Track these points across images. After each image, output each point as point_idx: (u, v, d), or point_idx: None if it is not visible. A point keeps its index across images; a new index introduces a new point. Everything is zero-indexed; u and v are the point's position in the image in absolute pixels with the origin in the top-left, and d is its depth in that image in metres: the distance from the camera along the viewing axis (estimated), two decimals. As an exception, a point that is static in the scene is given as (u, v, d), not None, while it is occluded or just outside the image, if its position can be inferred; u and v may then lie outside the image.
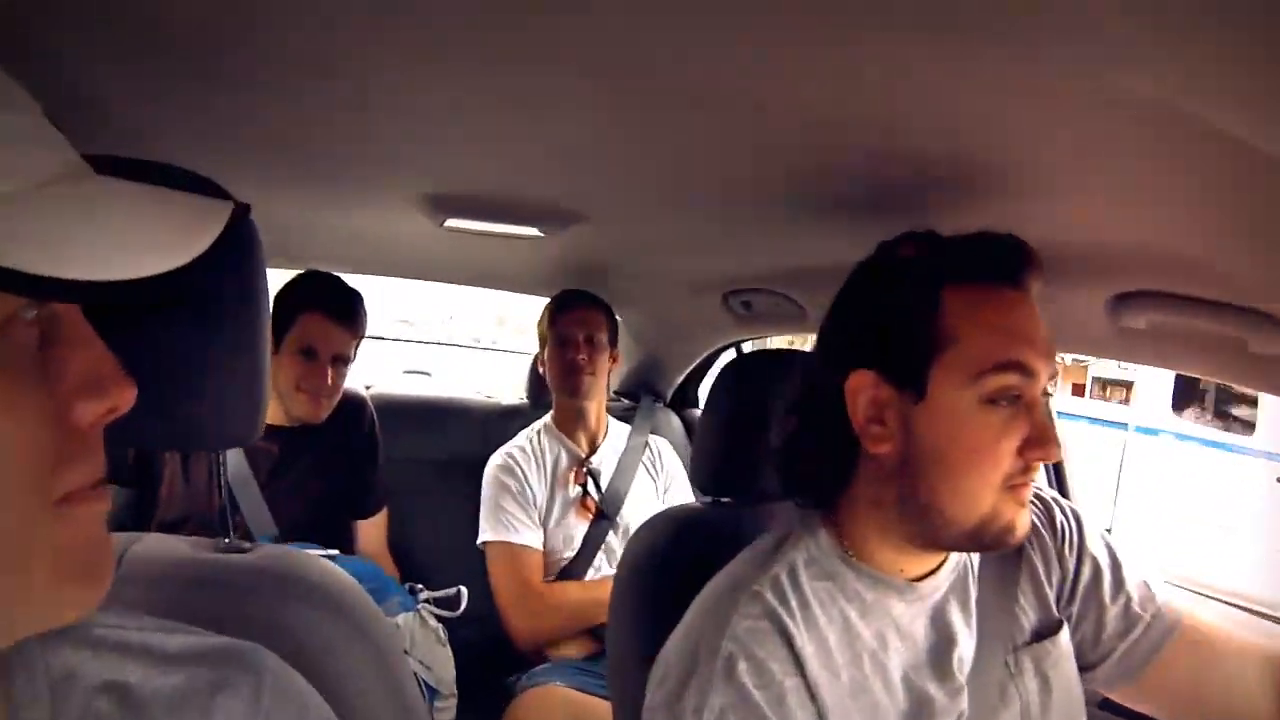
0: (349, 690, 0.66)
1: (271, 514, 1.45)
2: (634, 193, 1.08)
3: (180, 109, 0.83)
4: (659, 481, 1.85)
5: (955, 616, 0.77)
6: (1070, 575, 0.81)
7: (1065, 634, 0.79)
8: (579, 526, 1.71)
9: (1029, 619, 0.79)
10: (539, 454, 1.76)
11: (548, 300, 1.88)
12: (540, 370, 1.87)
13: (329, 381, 1.50)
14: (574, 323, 1.76)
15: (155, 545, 0.69)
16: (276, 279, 1.61)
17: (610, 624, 1.10)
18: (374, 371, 2.39)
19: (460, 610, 1.39)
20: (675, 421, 2.18)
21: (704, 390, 2.32)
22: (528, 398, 2.17)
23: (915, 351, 0.69)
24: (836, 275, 1.27)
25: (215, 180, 0.54)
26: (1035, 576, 0.81)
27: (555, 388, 1.80)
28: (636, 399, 2.20)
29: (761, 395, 1.01)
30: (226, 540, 0.72)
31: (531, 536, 1.67)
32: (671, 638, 0.77)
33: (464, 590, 1.42)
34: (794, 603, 0.72)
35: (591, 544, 1.71)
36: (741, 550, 0.83)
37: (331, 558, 1.28)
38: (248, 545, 0.73)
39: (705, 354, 2.14)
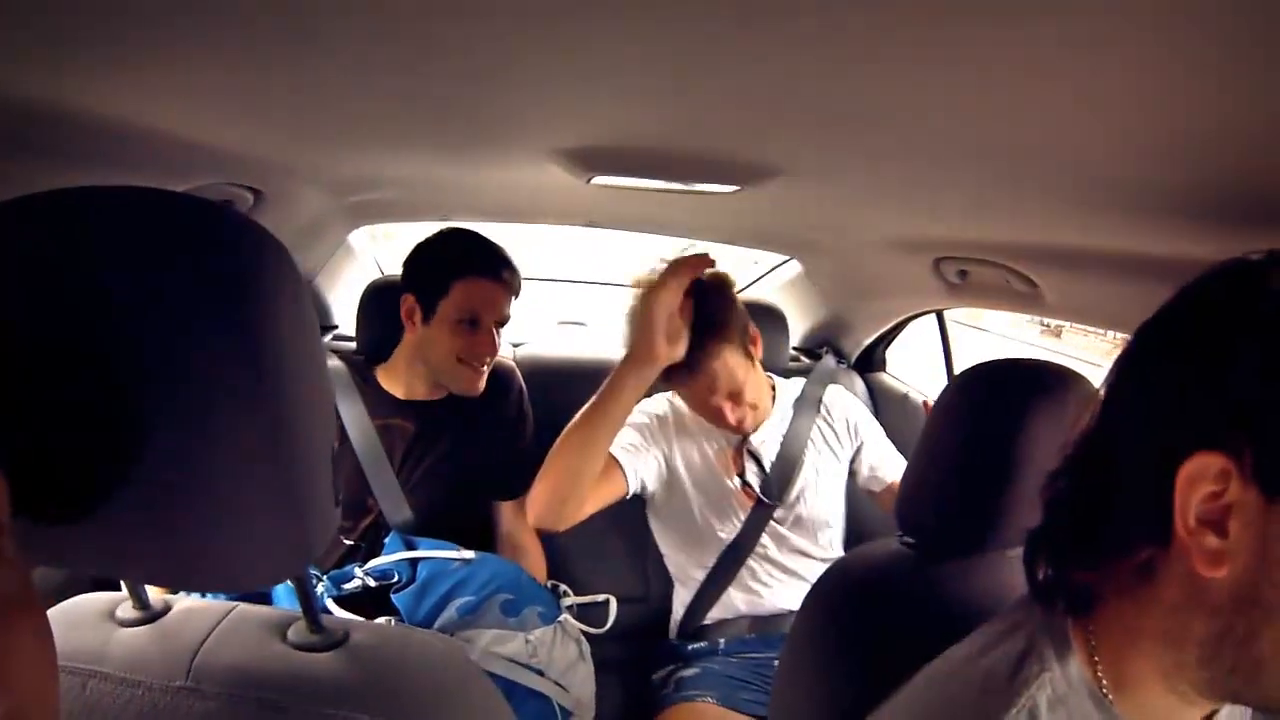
0: None
1: (407, 498, 1.35)
2: (845, 147, 0.83)
3: (308, 77, 0.67)
4: (843, 446, 1.57)
5: None
6: None
7: None
8: (739, 509, 1.49)
9: None
10: (679, 428, 1.51)
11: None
12: None
13: (496, 348, 1.39)
14: (715, 391, 1.38)
15: (229, 641, 0.58)
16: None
17: (781, 674, 0.95)
18: (527, 323, 2.26)
19: (608, 626, 1.24)
20: (859, 384, 1.93)
21: (893, 354, 2.03)
22: None
23: None
24: (1092, 260, 0.98)
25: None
26: None
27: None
28: (817, 357, 1.94)
29: (1003, 421, 0.80)
30: (317, 628, 0.59)
31: (631, 464, 1.41)
32: None
33: (613, 601, 1.26)
34: None
35: (754, 527, 1.49)
36: (956, 644, 0.66)
37: (469, 561, 1.19)
38: (342, 632, 0.60)
39: (901, 318, 1.83)
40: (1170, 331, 0.54)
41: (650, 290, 1.20)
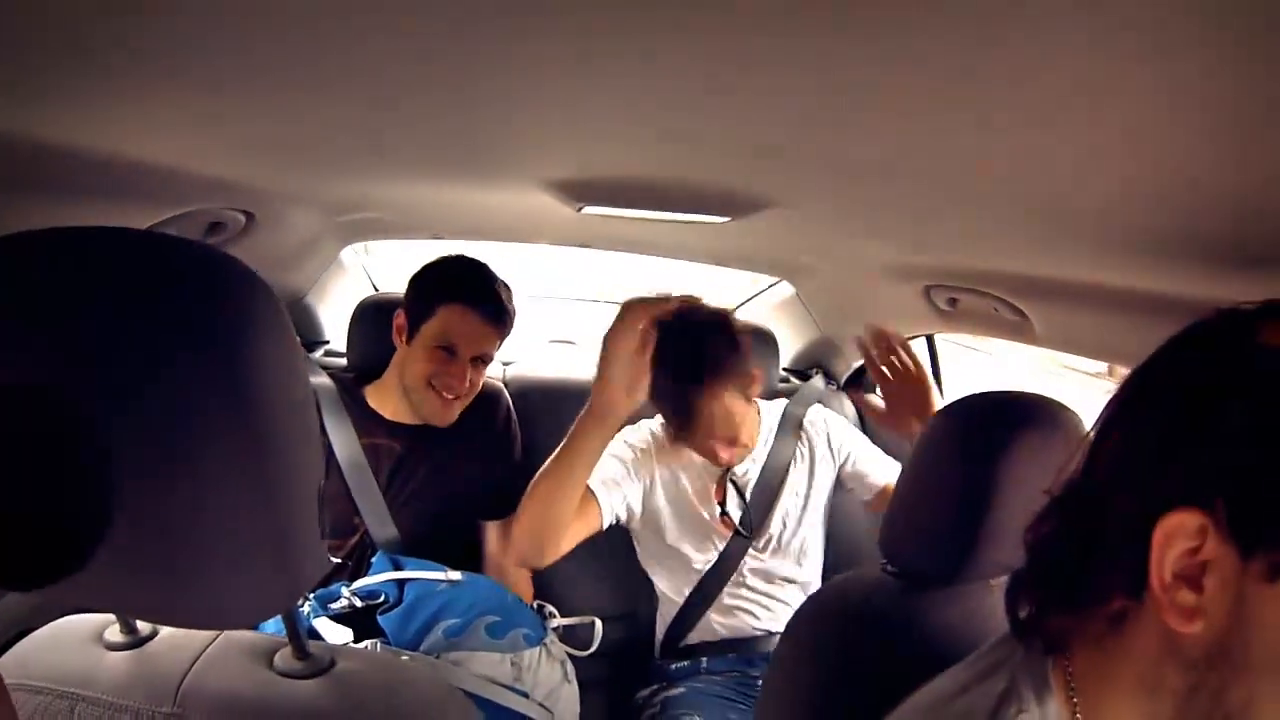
0: None
1: (393, 518, 1.35)
2: (833, 182, 0.84)
3: (299, 105, 0.68)
4: (827, 465, 1.54)
5: None
6: None
7: None
8: (717, 540, 1.48)
9: None
10: (658, 458, 1.48)
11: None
12: None
13: (466, 383, 1.35)
14: (712, 434, 1.35)
15: (215, 667, 0.58)
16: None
17: (763, 702, 0.95)
18: (516, 342, 2.25)
19: (593, 649, 1.24)
20: (848, 406, 1.93)
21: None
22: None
23: None
24: (1081, 292, 0.99)
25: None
26: None
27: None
28: (807, 378, 1.95)
29: (989, 455, 0.80)
30: (303, 655, 0.60)
31: (607, 500, 1.37)
32: None
33: (599, 623, 1.26)
34: None
35: (731, 557, 1.48)
36: (931, 681, 0.65)
37: (455, 583, 1.19)
38: (328, 658, 0.61)
39: (890, 343, 1.85)
40: (1157, 383, 0.53)
41: (606, 337, 1.15)
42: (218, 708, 0.54)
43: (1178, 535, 0.48)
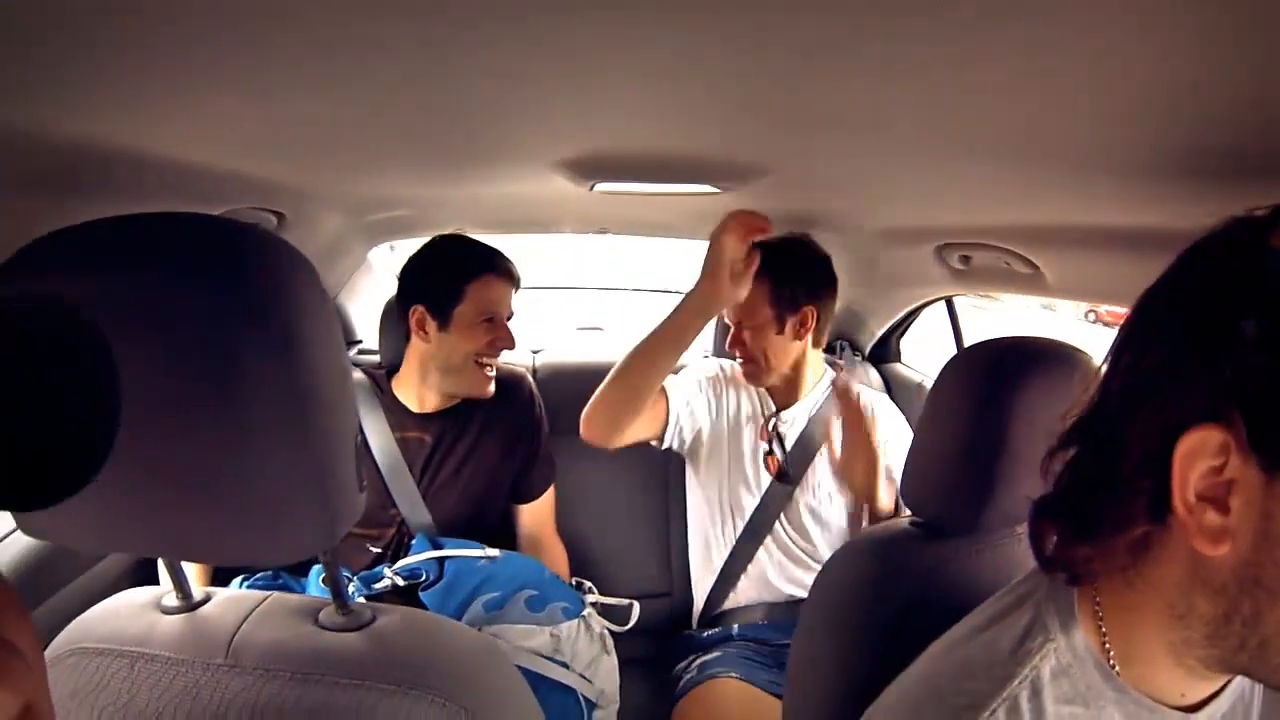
0: None
1: (428, 506, 1.39)
2: (831, 141, 0.84)
3: (327, 108, 0.71)
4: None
5: None
6: None
7: None
8: (763, 477, 1.53)
9: None
10: (726, 387, 1.59)
11: None
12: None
13: (514, 342, 1.44)
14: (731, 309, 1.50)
15: (264, 624, 0.62)
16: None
17: (796, 651, 0.96)
18: (546, 331, 2.30)
19: (630, 625, 1.27)
20: (874, 377, 1.95)
21: (906, 344, 2.05)
22: (714, 351, 2.03)
23: None
24: (1090, 237, 0.98)
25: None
26: None
27: None
28: (832, 350, 1.98)
29: (1003, 399, 0.80)
30: (345, 610, 0.63)
31: (676, 401, 1.49)
32: None
33: (636, 605, 1.30)
34: None
35: (773, 502, 1.53)
36: (962, 620, 0.66)
37: (494, 559, 1.23)
38: (369, 614, 0.64)
39: (911, 307, 1.85)
40: (1169, 300, 0.51)
41: (716, 235, 1.27)
42: (267, 658, 0.58)
43: (1199, 454, 0.46)
